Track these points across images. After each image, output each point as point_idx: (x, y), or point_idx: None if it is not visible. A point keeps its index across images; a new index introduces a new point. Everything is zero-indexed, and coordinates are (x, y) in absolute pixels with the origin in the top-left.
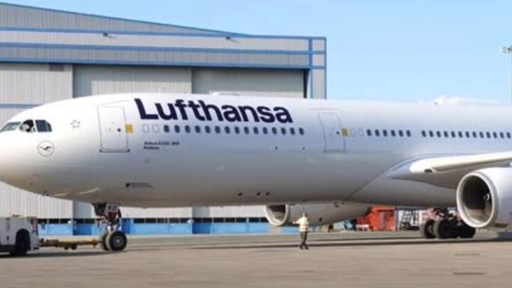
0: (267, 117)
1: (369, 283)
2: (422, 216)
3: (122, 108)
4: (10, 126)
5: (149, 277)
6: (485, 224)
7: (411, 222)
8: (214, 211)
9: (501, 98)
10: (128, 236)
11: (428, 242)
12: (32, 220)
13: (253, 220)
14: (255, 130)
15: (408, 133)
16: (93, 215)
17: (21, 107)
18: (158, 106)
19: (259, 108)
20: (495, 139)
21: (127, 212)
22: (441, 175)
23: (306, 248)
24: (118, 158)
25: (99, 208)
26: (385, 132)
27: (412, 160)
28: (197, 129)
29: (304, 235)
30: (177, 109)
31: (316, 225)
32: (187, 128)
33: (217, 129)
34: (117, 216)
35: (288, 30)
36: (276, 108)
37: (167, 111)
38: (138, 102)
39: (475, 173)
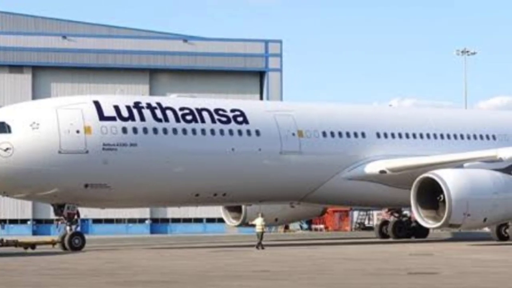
0: (223, 119)
1: (325, 283)
2: (376, 217)
3: (80, 110)
4: None
5: (107, 276)
6: (439, 224)
7: (366, 222)
8: (172, 212)
9: (455, 100)
10: (86, 236)
11: (383, 242)
12: None
13: (210, 220)
14: (212, 131)
15: (363, 134)
16: (52, 215)
17: None
18: (116, 108)
19: (216, 110)
20: (448, 140)
21: (85, 212)
22: (395, 176)
23: (263, 248)
24: (76, 159)
25: (58, 208)
26: (340, 134)
27: (366, 161)
28: (155, 130)
29: (261, 235)
30: (135, 111)
31: (272, 225)
32: (145, 130)
33: (175, 130)
34: (76, 217)
35: (245, 33)
36: (232, 110)
37: (125, 113)
38: (97, 104)
39: (429, 174)
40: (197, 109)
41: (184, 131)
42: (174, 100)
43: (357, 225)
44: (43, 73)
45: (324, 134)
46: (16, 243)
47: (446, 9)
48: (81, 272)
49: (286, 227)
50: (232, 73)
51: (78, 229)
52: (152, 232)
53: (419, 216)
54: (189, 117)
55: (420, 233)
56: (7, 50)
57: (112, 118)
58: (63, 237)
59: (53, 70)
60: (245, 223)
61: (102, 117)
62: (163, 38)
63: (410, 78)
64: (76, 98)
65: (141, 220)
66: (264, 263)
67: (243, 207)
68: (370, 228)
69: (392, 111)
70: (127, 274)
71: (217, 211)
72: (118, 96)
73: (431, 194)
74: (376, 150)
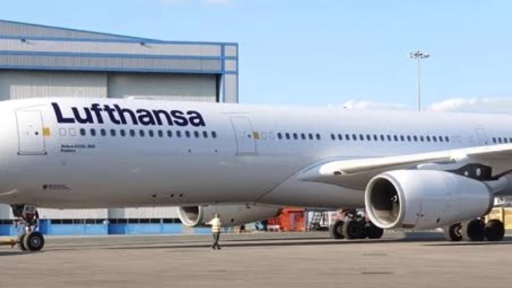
0: (180, 120)
1: (280, 282)
2: (331, 217)
3: (39, 112)
4: None
5: (66, 276)
6: (392, 225)
7: (321, 223)
8: (129, 212)
9: (408, 102)
10: (45, 237)
11: (337, 243)
12: None
13: (167, 221)
14: (169, 133)
15: (318, 136)
16: (11, 216)
17: None
18: (75, 110)
19: (173, 112)
20: (402, 142)
21: (44, 213)
22: (350, 177)
23: (219, 248)
24: (35, 160)
25: (17, 209)
26: (295, 135)
27: (321, 163)
28: (113, 132)
29: (217, 236)
30: (93, 113)
31: (228, 225)
32: (103, 132)
33: (132, 132)
34: (34, 217)
35: (201, 36)
36: (189, 112)
37: (83, 115)
38: (55, 106)
39: (383, 175)
40: (154, 111)
41: (142, 132)
42: (132, 102)
43: (312, 226)
44: (2, 75)
45: (279, 135)
46: None
47: (399, 12)
48: (40, 272)
49: (242, 228)
50: (189, 75)
51: (37, 229)
52: (109, 232)
53: (373, 216)
54: (146, 119)
55: (374, 233)
56: None
57: (70, 120)
58: (22, 238)
59: (12, 72)
60: (201, 224)
61: (60, 119)
62: (121, 41)
63: (364, 80)
64: (35, 100)
65: (99, 221)
66: (220, 263)
67: (199, 207)
68: (324, 229)
69: (346, 113)
70: (85, 274)
71: (174, 211)
72: (77, 98)
73: (385, 195)
74: (331, 152)
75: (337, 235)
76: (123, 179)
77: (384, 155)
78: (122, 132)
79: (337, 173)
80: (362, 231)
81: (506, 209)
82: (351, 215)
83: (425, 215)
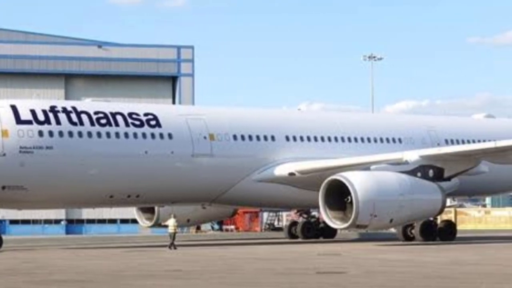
0: (137, 122)
1: (235, 282)
2: (286, 218)
3: None
4: None
5: (24, 276)
6: (346, 225)
7: (276, 223)
8: (87, 213)
9: (362, 104)
10: (3, 237)
11: (292, 243)
12: None
13: (124, 221)
14: (126, 135)
15: (273, 137)
16: None
17: None
18: (33, 112)
19: (130, 114)
20: (356, 143)
21: (3, 213)
22: (304, 178)
23: (175, 248)
24: None
25: None
26: (250, 137)
27: (276, 164)
28: (70, 134)
29: (173, 236)
30: (51, 115)
31: (184, 226)
32: (61, 133)
33: (89, 134)
34: None
35: (157, 39)
36: (146, 114)
37: (41, 117)
38: (14, 108)
39: (337, 176)
40: (111, 113)
41: (99, 134)
42: (89, 104)
43: (267, 226)
44: None
45: (235, 137)
46: None
47: (353, 16)
48: None
49: (198, 228)
50: (145, 78)
51: None
52: (67, 232)
53: (327, 217)
54: (103, 121)
55: (328, 233)
56: None
57: (28, 122)
58: None
59: None
60: (158, 224)
61: (19, 120)
62: (78, 44)
63: (318, 83)
64: None
65: (57, 221)
66: (177, 263)
67: (156, 208)
68: (279, 229)
69: (301, 115)
70: (44, 274)
71: (131, 212)
72: (35, 100)
73: (339, 195)
74: (286, 153)
75: (292, 235)
76: (80, 180)
77: (338, 156)
78: (80, 134)
79: (291, 174)
80: (316, 232)
81: (458, 209)
82: (305, 215)
83: (379, 216)
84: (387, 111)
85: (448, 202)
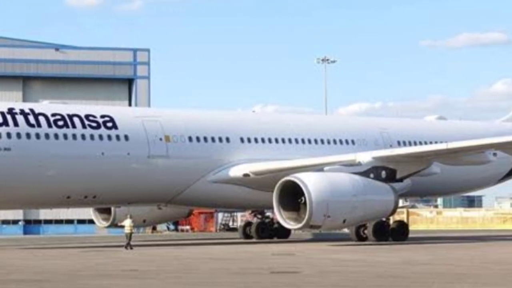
0: (94, 124)
1: (191, 282)
2: (240, 218)
3: None
4: None
5: None
6: (300, 225)
7: (230, 223)
8: (44, 213)
9: (315, 106)
10: None
11: (246, 243)
12: None
13: (81, 221)
14: (83, 136)
15: (227, 139)
16: None
17: None
18: None
19: (87, 116)
20: (309, 145)
21: None
22: (258, 179)
23: (131, 248)
24: None
25: None
26: (205, 139)
27: (231, 165)
28: (28, 135)
29: (129, 236)
30: (8, 117)
31: (140, 226)
32: (18, 135)
33: (47, 135)
34: None
35: (114, 42)
36: (102, 116)
37: None
38: None
39: (291, 177)
40: (68, 115)
41: (56, 136)
42: (47, 106)
43: (222, 226)
44: None
45: (190, 139)
46: None
47: (307, 19)
48: None
49: (154, 228)
50: (102, 80)
51: None
52: (25, 233)
53: (281, 217)
54: (60, 123)
55: (282, 234)
56: None
57: None
58: None
59: None
60: (114, 224)
61: None
62: (36, 47)
63: (272, 85)
64: None
65: (15, 221)
66: (133, 263)
67: (112, 209)
68: (234, 229)
69: (255, 117)
70: (1, 273)
71: (88, 212)
72: None
73: (292, 196)
74: (240, 154)
75: (246, 235)
76: (38, 181)
77: (292, 157)
78: (37, 136)
79: (246, 175)
80: (270, 232)
81: (410, 210)
82: (259, 216)
83: (332, 216)
84: (340, 113)
85: (401, 202)
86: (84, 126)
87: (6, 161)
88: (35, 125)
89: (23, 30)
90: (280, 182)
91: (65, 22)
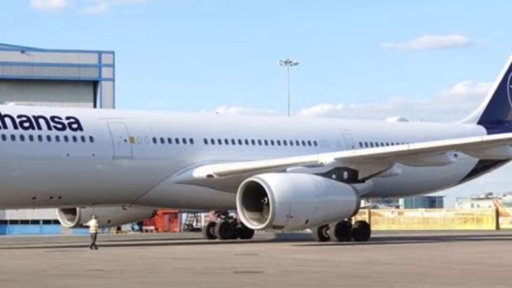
0: (59, 125)
1: (155, 281)
2: (204, 218)
3: None
4: None
5: None
6: (263, 226)
7: (194, 224)
8: (10, 214)
9: (278, 108)
10: None
11: (210, 243)
12: None
13: (47, 222)
14: (48, 138)
15: (191, 140)
16: None
17: None
18: None
19: (52, 118)
20: (272, 146)
21: None
22: (222, 180)
23: (96, 248)
24: None
25: None
26: (169, 140)
27: (195, 166)
28: None
29: (94, 236)
30: None
31: (105, 226)
32: None
33: (13, 137)
34: None
35: (79, 45)
36: (68, 118)
37: None
38: None
39: (254, 178)
40: (34, 117)
41: (22, 137)
42: (12, 108)
43: (186, 227)
44: None
45: (154, 140)
46: None
47: (270, 22)
48: None
49: (119, 228)
50: (67, 82)
51: None
52: None
53: (244, 218)
54: (26, 124)
55: (245, 234)
56: None
57: None
58: None
59: None
60: (79, 225)
61: None
62: (1, 49)
63: (236, 87)
64: None
65: None
66: (98, 263)
67: (77, 209)
68: (198, 229)
69: (218, 119)
70: None
71: (53, 213)
72: None
73: (256, 197)
74: (204, 156)
75: (210, 235)
76: (4, 182)
77: (255, 158)
78: (3, 137)
79: (209, 176)
80: (234, 232)
81: (372, 210)
82: (223, 216)
83: (295, 217)
84: (303, 114)
85: (362, 203)
86: (49, 128)
87: None
88: (1, 126)
89: None
90: (243, 183)
91: (30, 24)
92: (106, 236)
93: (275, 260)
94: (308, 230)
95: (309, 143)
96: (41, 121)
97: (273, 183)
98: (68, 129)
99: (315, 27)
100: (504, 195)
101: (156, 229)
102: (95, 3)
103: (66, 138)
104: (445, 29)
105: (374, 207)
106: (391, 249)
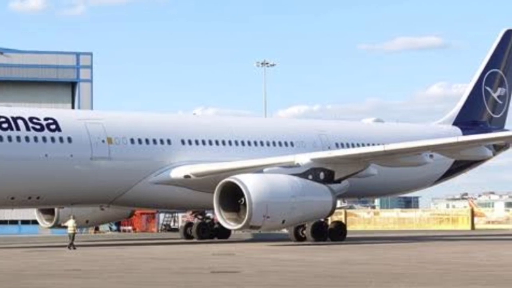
0: (37, 126)
1: (133, 281)
2: (181, 219)
3: None
4: None
5: None
6: (240, 226)
7: (172, 224)
8: None
9: (255, 109)
10: None
11: (187, 243)
12: None
13: (25, 222)
14: (27, 138)
15: (169, 141)
16: None
17: None
18: None
19: (30, 119)
20: (249, 147)
21: None
22: (199, 181)
23: (74, 248)
24: None
25: None
26: (147, 141)
27: (172, 167)
28: None
29: (72, 236)
30: None
31: (83, 227)
32: None
33: None
34: None
35: (57, 46)
36: (46, 119)
37: None
38: None
39: (231, 179)
40: (12, 118)
41: (1, 138)
42: None
43: (163, 227)
44: None
45: (132, 141)
46: None
47: (247, 24)
48: None
49: (96, 229)
50: (45, 83)
51: None
52: None
53: (221, 218)
54: (5, 125)
55: (222, 234)
56: None
57: None
58: None
59: None
60: (57, 225)
61: None
62: None
63: (213, 88)
64: None
65: None
66: (76, 262)
67: (56, 209)
68: (175, 230)
69: (196, 120)
70: None
71: (32, 213)
72: None
73: (232, 197)
74: (181, 156)
75: (187, 235)
76: None
77: (232, 159)
78: None
79: (187, 176)
80: (211, 232)
81: (348, 211)
82: (200, 216)
83: (271, 217)
84: (279, 115)
85: (339, 203)
86: (28, 129)
87: None
88: None
89: None
90: (220, 183)
91: (9, 26)
92: (84, 236)
93: (252, 260)
94: (285, 230)
95: (286, 143)
96: (20, 122)
97: (250, 184)
98: (46, 130)
99: (292, 29)
100: (479, 196)
101: (134, 229)
102: (73, 5)
103: (44, 139)
104: (421, 30)
105: (350, 208)
106: (367, 249)
